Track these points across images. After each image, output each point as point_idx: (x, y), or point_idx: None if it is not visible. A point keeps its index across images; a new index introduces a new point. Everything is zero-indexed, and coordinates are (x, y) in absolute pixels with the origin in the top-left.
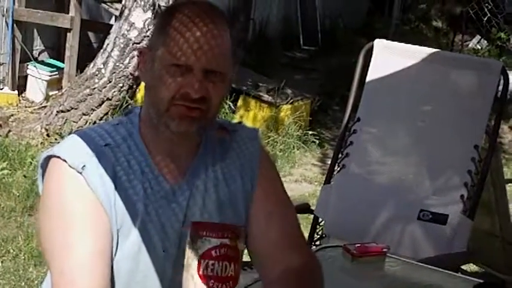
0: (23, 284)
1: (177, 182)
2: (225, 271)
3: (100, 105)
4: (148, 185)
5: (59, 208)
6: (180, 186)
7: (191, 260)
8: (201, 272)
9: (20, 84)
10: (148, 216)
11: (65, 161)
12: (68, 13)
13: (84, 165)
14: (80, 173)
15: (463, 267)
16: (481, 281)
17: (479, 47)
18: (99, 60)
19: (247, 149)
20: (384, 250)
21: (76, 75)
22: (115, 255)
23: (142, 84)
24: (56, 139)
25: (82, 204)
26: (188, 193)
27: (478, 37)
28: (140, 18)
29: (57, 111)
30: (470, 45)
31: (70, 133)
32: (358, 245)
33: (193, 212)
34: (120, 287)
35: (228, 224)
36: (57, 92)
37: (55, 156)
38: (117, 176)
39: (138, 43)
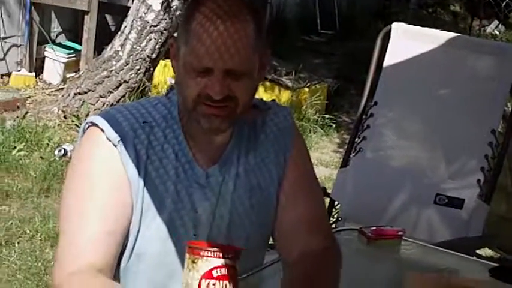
0: (39, 264)
1: (210, 167)
2: None
3: (117, 87)
4: (181, 168)
5: (87, 175)
6: (213, 171)
7: (191, 281)
8: None
9: (38, 66)
10: (179, 198)
11: (102, 131)
12: None
13: (120, 139)
14: (115, 146)
15: (478, 251)
16: (497, 264)
17: (497, 32)
18: (117, 42)
19: (279, 129)
20: (400, 233)
21: (93, 58)
22: (137, 236)
23: (159, 67)
24: (72, 121)
25: (109, 179)
26: (221, 178)
27: (496, 22)
28: (157, 1)
29: (74, 93)
30: (488, 30)
31: (87, 115)
32: (374, 228)
33: (225, 197)
34: (149, 268)
35: (226, 245)
36: (74, 74)
37: (94, 124)
38: (150, 155)
39: (156, 26)
